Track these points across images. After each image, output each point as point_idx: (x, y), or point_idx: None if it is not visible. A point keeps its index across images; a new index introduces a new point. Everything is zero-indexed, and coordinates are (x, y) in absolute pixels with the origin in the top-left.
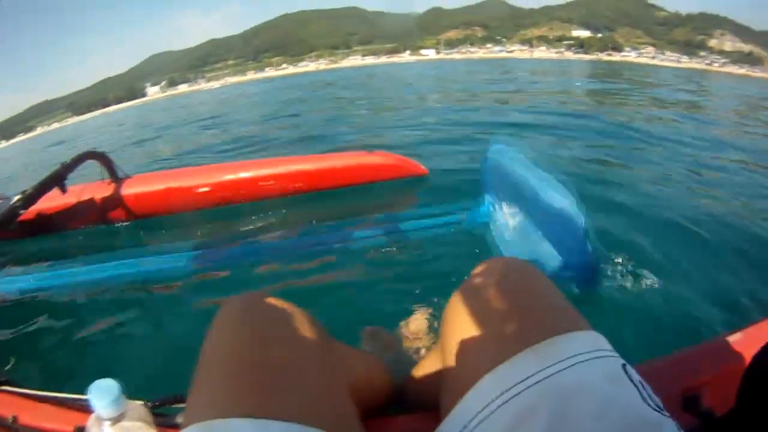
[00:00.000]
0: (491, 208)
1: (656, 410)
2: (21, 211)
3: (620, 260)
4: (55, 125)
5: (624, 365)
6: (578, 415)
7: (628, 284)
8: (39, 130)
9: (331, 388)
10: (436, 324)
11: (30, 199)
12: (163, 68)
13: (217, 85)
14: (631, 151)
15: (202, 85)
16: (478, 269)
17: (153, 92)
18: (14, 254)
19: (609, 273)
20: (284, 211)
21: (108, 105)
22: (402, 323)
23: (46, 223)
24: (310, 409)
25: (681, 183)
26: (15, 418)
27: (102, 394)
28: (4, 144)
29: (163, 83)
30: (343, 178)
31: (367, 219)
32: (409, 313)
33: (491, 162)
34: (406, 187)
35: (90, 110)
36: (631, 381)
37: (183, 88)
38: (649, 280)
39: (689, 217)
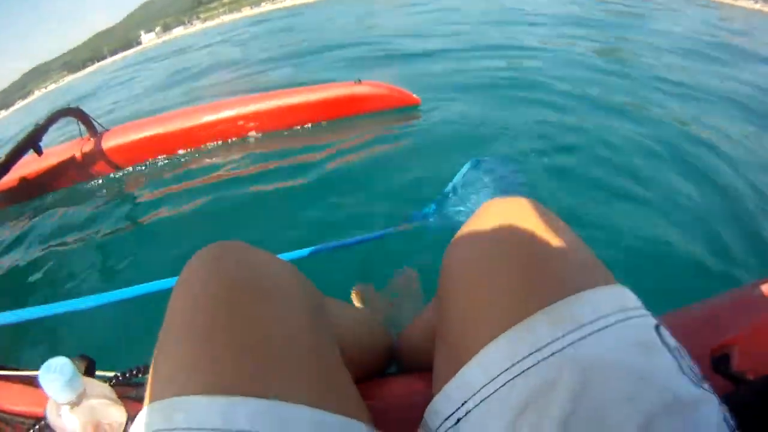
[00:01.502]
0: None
1: (696, 384)
2: None
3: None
4: (52, 86)
5: (657, 327)
6: (605, 395)
7: (646, 226)
8: (37, 94)
9: (321, 353)
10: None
11: (4, 166)
12: (156, 14)
13: (213, 25)
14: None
15: (197, 27)
16: (484, 208)
17: (148, 39)
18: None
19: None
20: (268, 146)
21: (104, 58)
22: (393, 279)
23: (26, 189)
24: (294, 379)
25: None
26: None
27: (53, 375)
28: (3, 113)
29: (158, 29)
30: (332, 110)
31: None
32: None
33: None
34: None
35: (86, 66)
36: (667, 347)
37: (178, 31)
38: (674, 220)
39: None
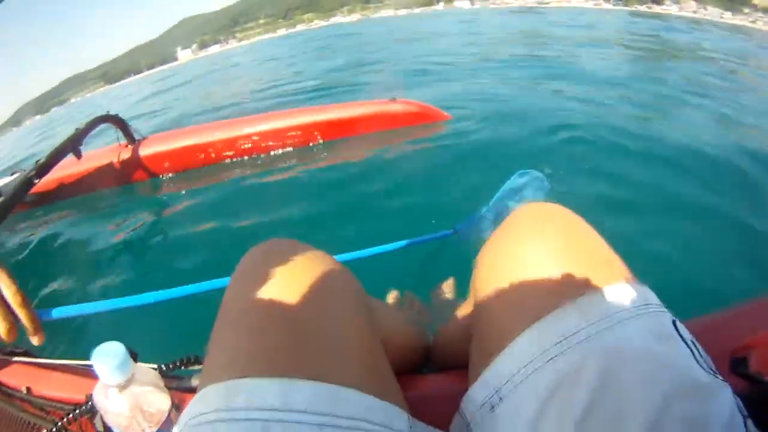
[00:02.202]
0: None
1: (710, 373)
2: (36, 180)
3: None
4: (89, 95)
5: (674, 321)
6: (627, 378)
7: (670, 235)
8: (72, 101)
9: (368, 345)
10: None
11: (44, 167)
12: (194, 32)
13: (248, 44)
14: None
15: (233, 45)
16: (515, 214)
17: (184, 56)
18: (34, 223)
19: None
20: (306, 159)
21: (140, 72)
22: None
23: (63, 191)
24: (344, 367)
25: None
26: (29, 390)
27: (106, 358)
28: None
29: (194, 46)
30: (368, 126)
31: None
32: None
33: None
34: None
35: (123, 78)
36: (683, 339)
37: (214, 49)
38: (694, 232)
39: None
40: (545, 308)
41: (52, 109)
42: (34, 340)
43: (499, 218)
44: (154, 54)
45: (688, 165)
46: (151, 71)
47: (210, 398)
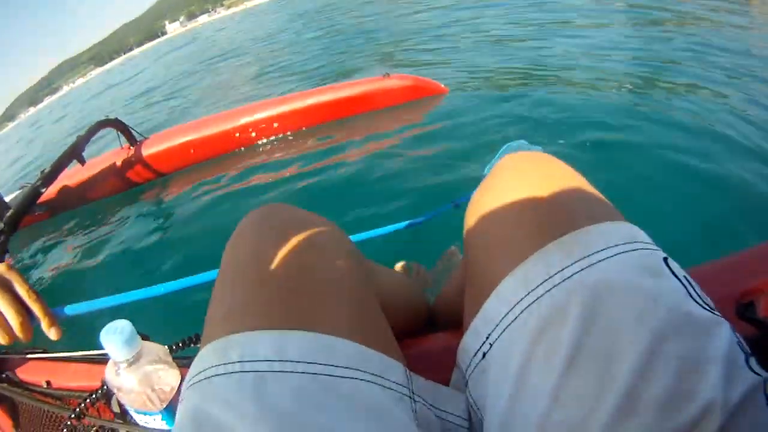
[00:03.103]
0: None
1: (706, 309)
2: (42, 190)
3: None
4: (80, 80)
5: (666, 258)
6: (615, 315)
7: (672, 179)
8: (65, 89)
9: (363, 298)
10: None
11: (50, 176)
12: (180, 3)
13: (237, 11)
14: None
15: (222, 13)
16: (501, 163)
17: (173, 29)
18: (47, 233)
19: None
20: (306, 143)
21: (131, 50)
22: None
23: (71, 199)
24: (338, 320)
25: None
26: (48, 383)
27: (113, 335)
28: (32, 110)
29: (182, 18)
30: (363, 105)
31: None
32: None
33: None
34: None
35: (112, 59)
36: (675, 276)
37: (203, 19)
38: (697, 174)
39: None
40: (529, 250)
41: (45, 99)
42: (51, 334)
43: None
44: (142, 30)
45: (685, 124)
46: (141, 48)
47: (207, 356)
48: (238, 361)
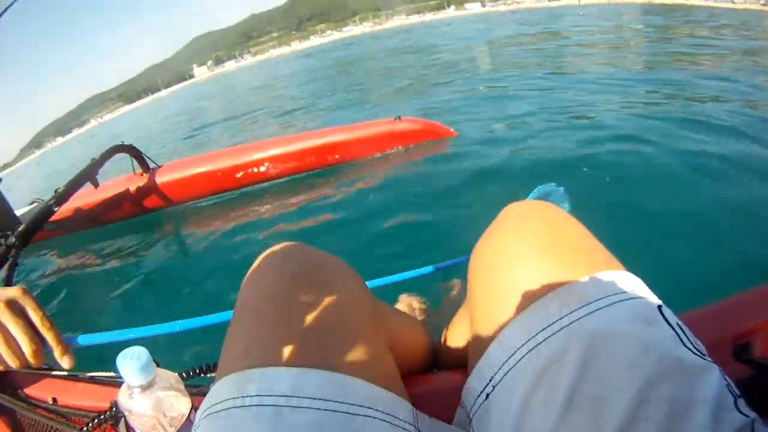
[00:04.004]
0: None
1: (697, 354)
2: (55, 209)
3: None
4: (108, 116)
5: (660, 306)
6: (609, 362)
7: (671, 228)
8: (93, 123)
9: (375, 342)
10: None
11: (63, 196)
12: (207, 48)
13: (263, 58)
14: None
15: (249, 60)
16: (504, 212)
17: (200, 73)
18: (56, 254)
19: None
20: (317, 183)
21: (158, 90)
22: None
23: (82, 220)
24: (354, 359)
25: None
26: (54, 400)
27: (130, 361)
28: (60, 140)
29: (210, 63)
30: (375, 146)
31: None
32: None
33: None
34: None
35: (140, 98)
36: (668, 323)
37: (230, 65)
38: (694, 224)
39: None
40: (531, 299)
41: (73, 131)
42: (64, 363)
43: None
44: (170, 72)
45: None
46: (169, 89)
47: (224, 389)
48: (257, 395)
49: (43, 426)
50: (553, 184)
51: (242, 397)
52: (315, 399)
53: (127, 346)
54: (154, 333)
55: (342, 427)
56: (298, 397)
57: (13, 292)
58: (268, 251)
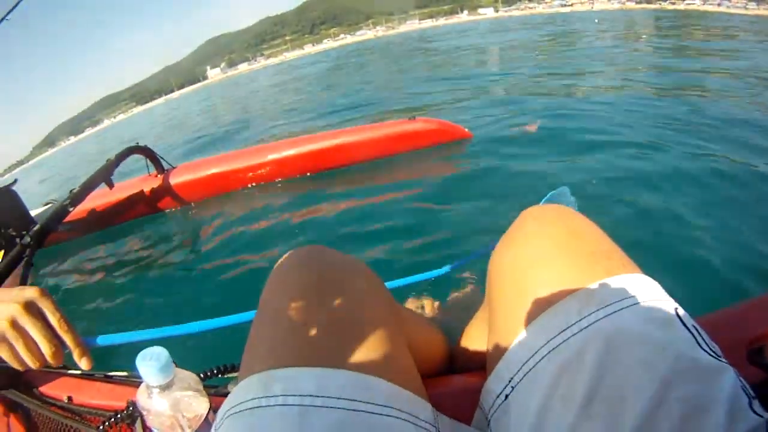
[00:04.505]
0: None
1: (713, 356)
2: (70, 209)
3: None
4: (121, 116)
5: (676, 309)
6: (626, 362)
7: (687, 233)
8: (106, 123)
9: (396, 343)
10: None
11: (78, 196)
12: (220, 51)
13: (276, 62)
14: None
15: (262, 63)
16: (521, 217)
17: (214, 74)
18: (72, 250)
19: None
20: (330, 183)
21: (171, 92)
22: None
23: (97, 220)
24: (377, 360)
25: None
26: (69, 399)
27: (150, 361)
28: (73, 139)
29: (223, 65)
30: (389, 147)
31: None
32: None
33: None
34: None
35: (153, 99)
36: (684, 325)
37: (243, 67)
38: (710, 228)
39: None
40: (550, 301)
41: (86, 130)
42: (82, 364)
43: None
44: (183, 73)
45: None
46: (181, 91)
47: (248, 388)
48: (281, 395)
49: (57, 424)
50: (565, 186)
51: (267, 396)
52: (340, 399)
53: (145, 347)
54: (172, 334)
55: (367, 427)
56: (323, 396)
57: (32, 293)
58: (292, 253)
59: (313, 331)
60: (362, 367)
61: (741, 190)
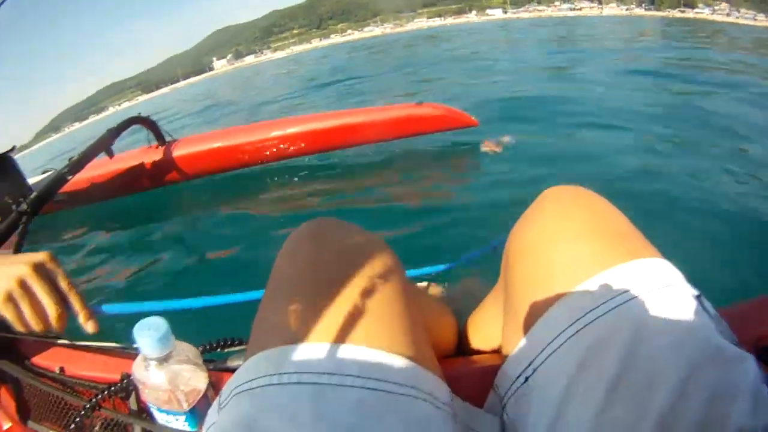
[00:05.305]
0: None
1: (734, 344)
2: (69, 177)
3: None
4: (126, 104)
5: (699, 296)
6: (653, 345)
7: (704, 226)
8: (110, 110)
9: (414, 321)
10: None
11: (77, 164)
12: (228, 42)
13: (283, 54)
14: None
15: (268, 56)
16: (541, 197)
17: (220, 65)
18: (70, 226)
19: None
20: (333, 163)
21: (176, 81)
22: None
23: (96, 192)
24: (396, 338)
25: None
26: (62, 370)
27: (148, 332)
28: (77, 125)
29: (230, 56)
30: (394, 130)
31: None
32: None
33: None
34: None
35: (159, 87)
36: (707, 313)
37: (249, 59)
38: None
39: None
40: (574, 281)
41: (90, 117)
42: (88, 327)
43: None
44: (189, 64)
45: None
46: (188, 80)
47: (259, 364)
48: (295, 372)
49: (49, 396)
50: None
51: (279, 374)
52: (357, 377)
53: (145, 313)
54: (177, 307)
55: (386, 407)
56: (340, 374)
57: (42, 256)
58: (305, 225)
59: (328, 305)
60: (381, 344)
61: (756, 189)
